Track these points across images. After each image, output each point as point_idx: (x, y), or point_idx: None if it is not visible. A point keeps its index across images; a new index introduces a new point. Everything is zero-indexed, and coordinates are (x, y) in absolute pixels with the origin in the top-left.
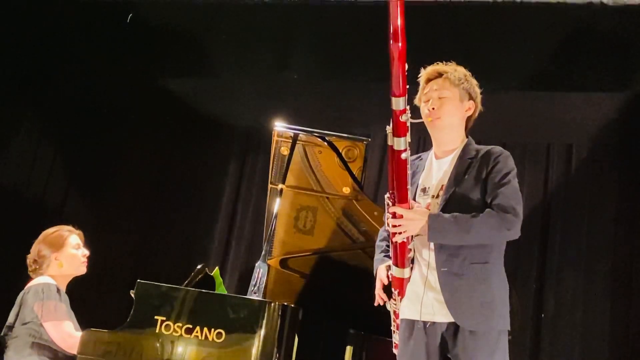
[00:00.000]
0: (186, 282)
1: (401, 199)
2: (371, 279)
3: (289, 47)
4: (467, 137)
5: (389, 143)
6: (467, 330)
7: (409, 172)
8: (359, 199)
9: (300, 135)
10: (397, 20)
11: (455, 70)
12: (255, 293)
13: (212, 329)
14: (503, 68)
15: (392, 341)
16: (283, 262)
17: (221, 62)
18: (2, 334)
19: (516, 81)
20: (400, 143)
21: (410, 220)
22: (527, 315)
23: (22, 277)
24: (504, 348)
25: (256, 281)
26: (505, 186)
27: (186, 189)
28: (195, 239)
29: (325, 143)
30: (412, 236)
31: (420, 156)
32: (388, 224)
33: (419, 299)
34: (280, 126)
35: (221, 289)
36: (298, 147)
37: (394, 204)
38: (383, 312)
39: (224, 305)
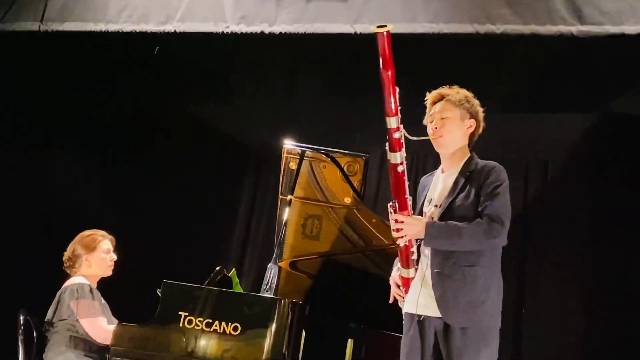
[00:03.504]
0: (207, 282)
1: (401, 207)
2: (370, 278)
3: (297, 75)
4: (470, 152)
5: (388, 158)
6: (456, 326)
7: (407, 182)
8: (360, 208)
9: (307, 152)
10: (385, 50)
11: (457, 93)
12: (267, 291)
13: (230, 323)
14: (486, 92)
15: (388, 333)
16: (292, 264)
17: (238, 89)
18: (43, 329)
19: (497, 104)
20: (397, 157)
21: (409, 225)
22: (509, 312)
23: (61, 277)
24: (492, 344)
25: (268, 281)
26: (495, 197)
27: (207, 200)
28: (215, 244)
29: (329, 159)
30: (416, 240)
31: (433, 173)
32: (392, 229)
33: (416, 294)
34: (289, 144)
35: (237, 288)
36: (305, 163)
37: (395, 212)
38: (380, 308)
39: (240, 302)
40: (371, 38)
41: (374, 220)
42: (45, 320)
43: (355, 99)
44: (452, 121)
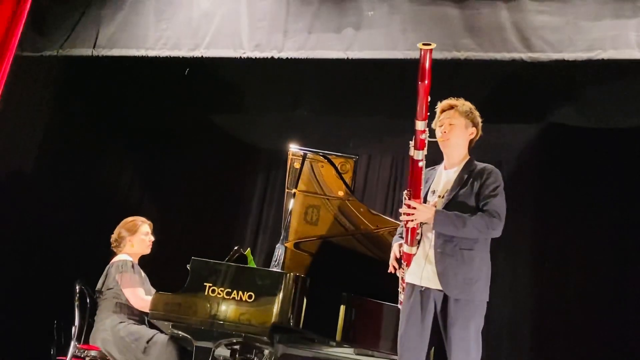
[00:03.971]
0: (227, 259)
1: (415, 195)
2: (358, 256)
3: (300, 93)
4: (469, 155)
5: (410, 154)
6: (452, 298)
7: (423, 176)
8: (350, 199)
9: (308, 154)
10: (426, 63)
11: (463, 105)
12: (276, 267)
13: (245, 292)
14: None
15: (374, 301)
16: (296, 245)
17: (253, 103)
18: (95, 296)
19: None
20: (419, 154)
21: (420, 211)
22: None
23: (109, 255)
24: (481, 314)
25: (277, 258)
26: (495, 197)
27: (228, 194)
28: (234, 229)
29: (326, 160)
30: (420, 223)
31: (434, 167)
32: (404, 214)
33: (420, 269)
34: (294, 148)
35: (252, 264)
36: (306, 163)
37: (409, 199)
38: (367, 280)
39: (254, 275)
40: (365, 64)
41: (361, 209)
42: (96, 289)
43: (348, 111)
44: (458, 128)
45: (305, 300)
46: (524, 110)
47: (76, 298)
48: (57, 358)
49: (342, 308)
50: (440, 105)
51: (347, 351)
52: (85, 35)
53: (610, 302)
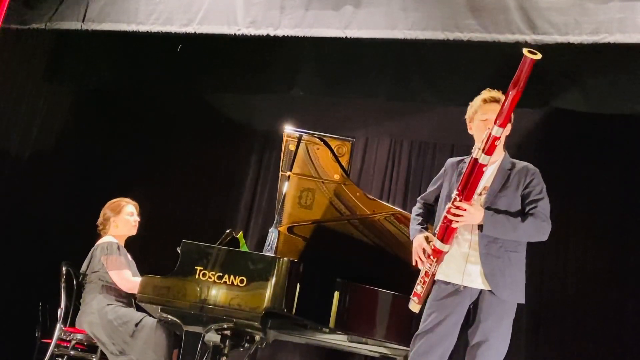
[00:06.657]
0: (218, 242)
1: (468, 197)
2: (353, 241)
3: (296, 72)
4: (504, 151)
5: (476, 156)
6: (491, 296)
7: (481, 182)
8: (346, 183)
9: (304, 135)
10: (523, 72)
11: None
12: (268, 251)
13: (237, 277)
14: (454, 89)
15: (369, 287)
16: (289, 229)
17: (247, 82)
18: (80, 279)
19: (463, 98)
20: (486, 159)
21: (471, 214)
22: None
23: (94, 237)
24: (513, 314)
25: (270, 242)
26: (543, 199)
27: (220, 175)
28: (226, 212)
29: (322, 142)
30: None
31: (463, 159)
32: (451, 213)
33: (460, 269)
34: (289, 129)
35: (244, 248)
36: (302, 145)
37: (460, 200)
38: (362, 266)
39: (246, 259)
40: (362, 43)
41: (358, 194)
42: (80, 272)
43: (345, 92)
44: None
45: (298, 285)
46: (527, 95)
47: (62, 280)
48: (42, 341)
49: (336, 294)
50: (482, 97)
51: (340, 338)
52: (74, 8)
53: (609, 286)
